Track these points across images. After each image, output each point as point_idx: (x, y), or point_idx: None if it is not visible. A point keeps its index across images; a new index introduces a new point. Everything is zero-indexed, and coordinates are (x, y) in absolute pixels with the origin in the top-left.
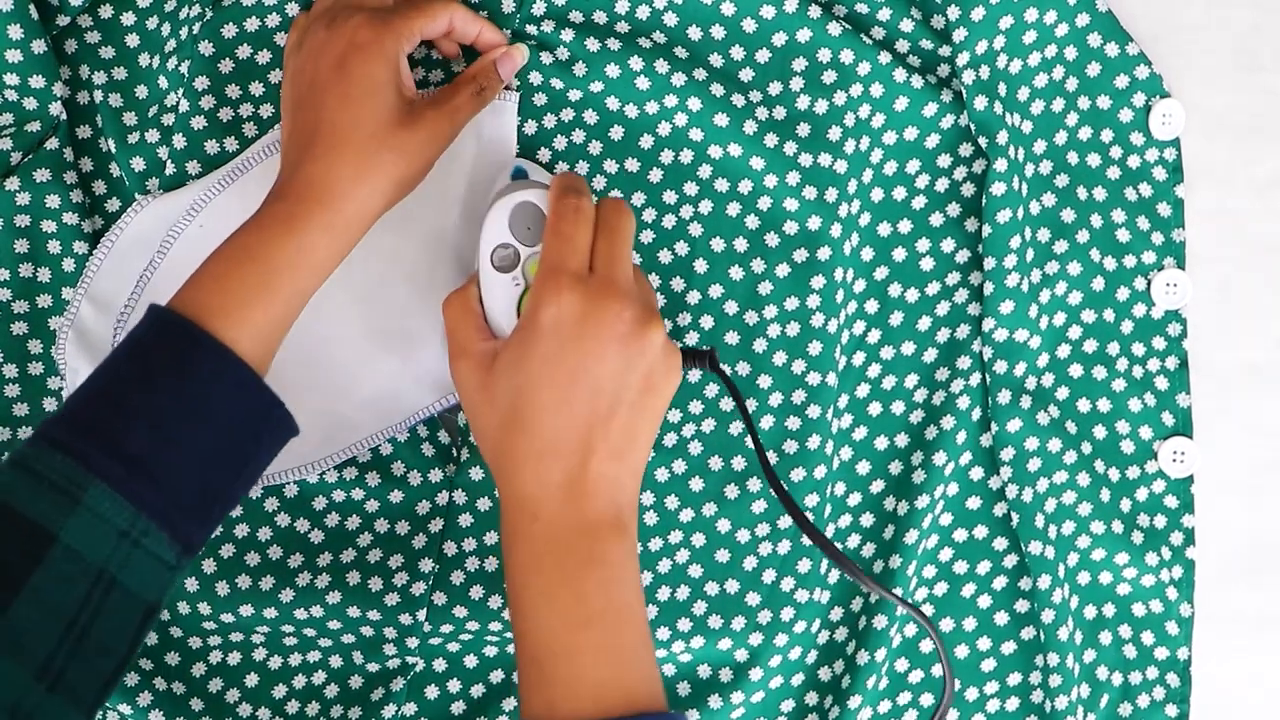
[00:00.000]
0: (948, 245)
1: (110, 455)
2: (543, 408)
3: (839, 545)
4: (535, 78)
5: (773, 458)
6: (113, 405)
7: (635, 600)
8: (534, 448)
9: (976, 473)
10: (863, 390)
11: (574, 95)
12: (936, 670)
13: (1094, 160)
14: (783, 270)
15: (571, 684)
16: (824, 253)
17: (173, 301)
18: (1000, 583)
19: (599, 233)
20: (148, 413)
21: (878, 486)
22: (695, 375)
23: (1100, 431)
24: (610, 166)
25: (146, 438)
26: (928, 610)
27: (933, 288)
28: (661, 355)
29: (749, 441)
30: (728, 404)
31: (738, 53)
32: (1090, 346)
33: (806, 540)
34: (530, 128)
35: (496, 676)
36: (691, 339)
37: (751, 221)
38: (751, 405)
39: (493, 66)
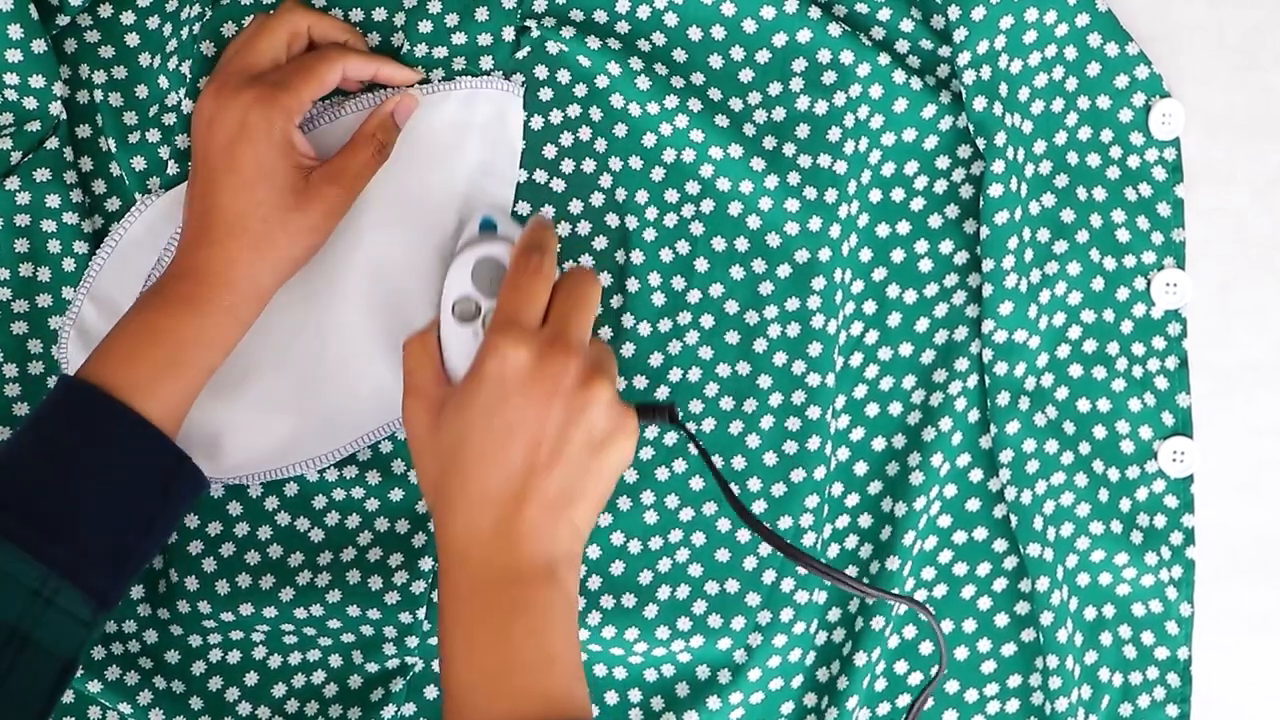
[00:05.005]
0: (946, 247)
1: (18, 521)
2: (481, 455)
3: (827, 560)
4: (541, 72)
5: (772, 458)
6: (22, 471)
7: (565, 650)
8: (468, 493)
9: (976, 475)
10: (860, 391)
11: (580, 91)
12: (935, 672)
13: (1094, 160)
14: (784, 270)
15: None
16: (824, 253)
17: (81, 373)
18: (1000, 585)
19: (559, 293)
20: (56, 477)
21: (875, 488)
22: (653, 432)
23: (1100, 431)
24: (615, 164)
25: (54, 502)
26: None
27: (931, 289)
28: (607, 413)
29: (743, 369)
30: (728, 403)
31: (738, 53)
32: (1090, 346)
33: (806, 541)
34: (536, 123)
35: None
36: (692, 338)
37: (753, 221)
38: (751, 406)
39: (390, 119)
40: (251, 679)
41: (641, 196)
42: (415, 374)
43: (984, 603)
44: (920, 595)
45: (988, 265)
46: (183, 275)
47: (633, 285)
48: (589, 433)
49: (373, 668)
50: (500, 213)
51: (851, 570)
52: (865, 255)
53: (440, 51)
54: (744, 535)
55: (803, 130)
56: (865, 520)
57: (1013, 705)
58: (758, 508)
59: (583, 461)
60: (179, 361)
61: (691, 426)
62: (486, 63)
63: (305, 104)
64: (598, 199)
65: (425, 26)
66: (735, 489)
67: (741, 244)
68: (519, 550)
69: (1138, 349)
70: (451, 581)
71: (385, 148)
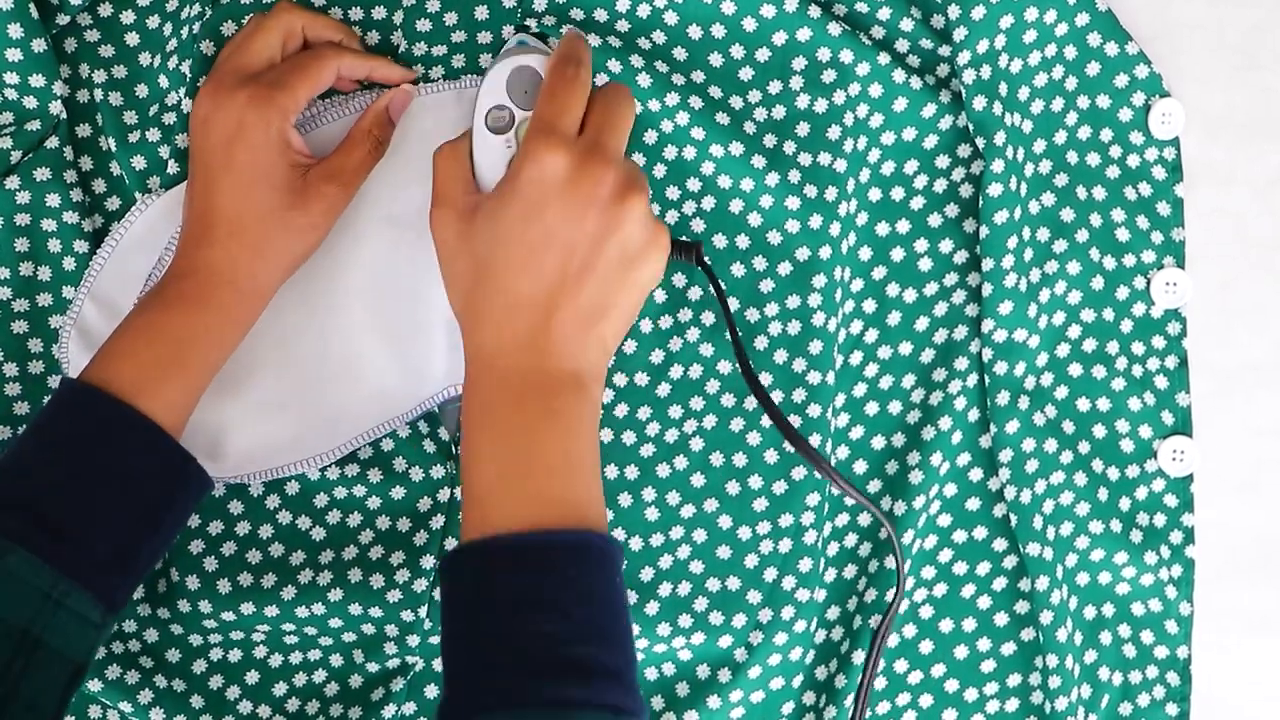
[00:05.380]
0: (946, 246)
1: (28, 522)
2: (513, 262)
3: (831, 572)
4: None
5: (773, 456)
6: (28, 474)
7: (589, 459)
8: (499, 301)
9: (975, 474)
10: (860, 390)
11: None
12: (936, 671)
13: (1093, 159)
14: (784, 268)
15: (510, 521)
16: (825, 251)
17: (85, 375)
18: (1000, 584)
19: (595, 104)
20: (63, 479)
21: (874, 487)
22: (654, 429)
23: (1100, 430)
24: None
25: (62, 504)
26: (927, 612)
27: (930, 288)
28: (642, 227)
29: (729, 337)
30: (729, 399)
31: (738, 51)
32: (1090, 345)
33: (807, 539)
34: None
35: None
36: (692, 335)
37: (754, 219)
38: (752, 402)
39: (384, 114)
40: (252, 678)
41: None
42: (446, 182)
43: (984, 602)
44: (920, 594)
45: (987, 264)
46: (184, 275)
47: None
48: (623, 246)
49: (374, 667)
50: (534, 35)
51: (851, 569)
52: (865, 254)
53: (439, 50)
54: (745, 533)
55: (803, 128)
56: (865, 518)
57: (1012, 704)
58: (759, 505)
59: (615, 274)
60: (182, 361)
61: (707, 262)
62: (486, 61)
63: (301, 103)
64: None
65: (424, 25)
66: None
67: (742, 241)
68: (548, 359)
69: (1137, 348)
70: (478, 388)
71: (381, 144)
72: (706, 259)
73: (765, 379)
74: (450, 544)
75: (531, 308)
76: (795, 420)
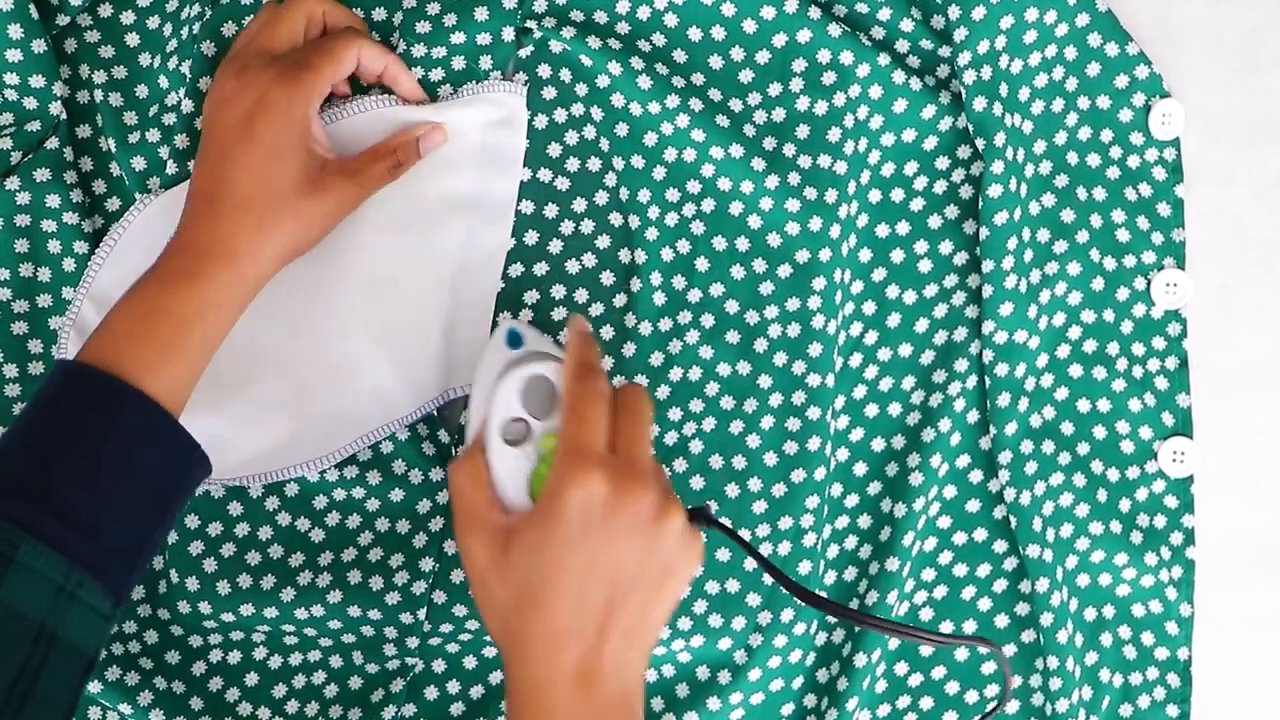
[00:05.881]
0: (945, 247)
1: (40, 511)
2: (561, 591)
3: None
4: (544, 71)
5: (772, 458)
6: (38, 461)
7: None
8: (548, 630)
9: (975, 476)
10: (860, 392)
11: (582, 90)
12: (936, 673)
13: (1094, 160)
14: (784, 270)
15: None
16: (825, 254)
17: (82, 355)
18: (1000, 586)
19: (621, 414)
20: (75, 466)
21: (875, 488)
22: (654, 429)
23: (1100, 432)
24: (617, 163)
25: (75, 491)
26: (927, 615)
27: (930, 290)
28: (680, 540)
29: (743, 369)
30: (728, 402)
31: (738, 54)
32: (1090, 347)
33: (806, 542)
34: (541, 121)
35: (495, 678)
36: (692, 337)
37: (754, 221)
38: (751, 405)
39: (414, 142)
40: (252, 679)
41: (643, 195)
42: (470, 502)
43: (984, 604)
44: (920, 596)
45: (987, 266)
46: (183, 250)
47: (634, 284)
48: (665, 563)
49: (373, 668)
50: (523, 324)
51: (851, 572)
52: (865, 256)
53: (439, 51)
54: (744, 535)
55: (803, 131)
56: (865, 521)
57: (1012, 706)
58: (758, 508)
59: (656, 591)
60: (179, 342)
61: (726, 524)
62: (486, 62)
63: (325, 85)
64: (602, 197)
65: (423, 27)
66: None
67: (742, 244)
68: (599, 688)
69: (1138, 349)
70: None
71: (401, 167)
72: (721, 520)
73: (765, 381)
74: (450, 547)
75: (581, 637)
76: (795, 423)
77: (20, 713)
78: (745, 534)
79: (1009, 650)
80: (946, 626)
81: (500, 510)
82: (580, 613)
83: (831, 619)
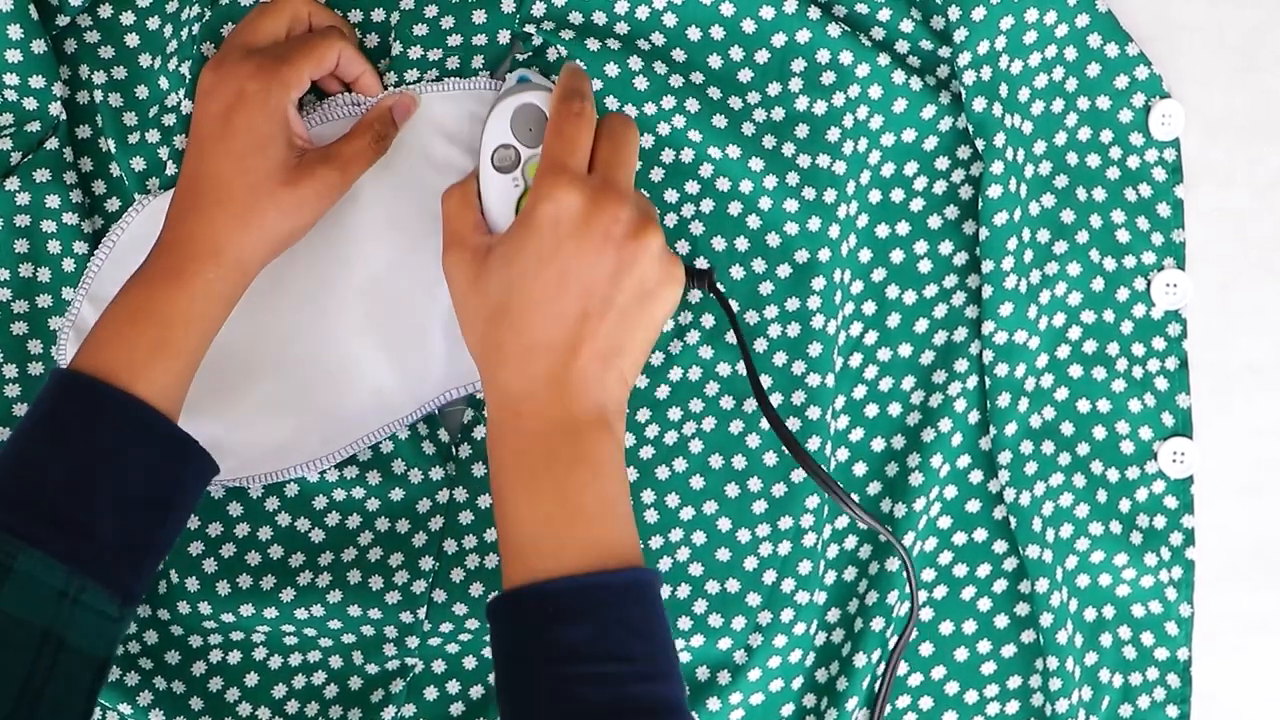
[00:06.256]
0: (945, 248)
1: (34, 519)
2: (533, 303)
3: (831, 575)
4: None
5: (772, 458)
6: (29, 470)
7: (620, 498)
8: (521, 342)
9: (976, 476)
10: (859, 392)
11: None
12: (936, 674)
13: (1094, 161)
14: (784, 270)
15: (558, 569)
16: (824, 254)
17: (76, 363)
18: (1000, 586)
19: (602, 138)
20: (66, 472)
21: (874, 489)
22: (695, 296)
23: (1100, 432)
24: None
25: (67, 496)
26: (927, 614)
27: (930, 290)
28: (658, 261)
29: (725, 403)
30: (728, 402)
31: (737, 53)
32: (1090, 347)
33: (806, 542)
34: None
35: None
36: (692, 338)
37: (753, 221)
38: (751, 405)
39: (389, 113)
40: (252, 680)
41: None
42: (456, 224)
43: (984, 604)
44: (920, 597)
45: (987, 266)
46: (167, 248)
47: None
48: (640, 282)
49: (373, 669)
50: (534, 71)
51: (851, 571)
52: (864, 256)
53: (435, 54)
54: (744, 535)
55: (802, 130)
56: None
57: (1013, 707)
58: (758, 508)
59: (633, 311)
60: (167, 341)
61: (720, 290)
62: (479, 63)
63: (303, 80)
64: None
65: (420, 29)
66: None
67: (741, 244)
68: (573, 400)
69: (1138, 349)
70: (506, 434)
71: (383, 140)
72: (720, 286)
73: (765, 381)
74: (449, 546)
75: (552, 349)
76: (794, 423)
77: (34, 718)
78: (745, 534)
79: (1009, 651)
80: (947, 626)
81: (485, 232)
82: (552, 324)
83: (831, 618)
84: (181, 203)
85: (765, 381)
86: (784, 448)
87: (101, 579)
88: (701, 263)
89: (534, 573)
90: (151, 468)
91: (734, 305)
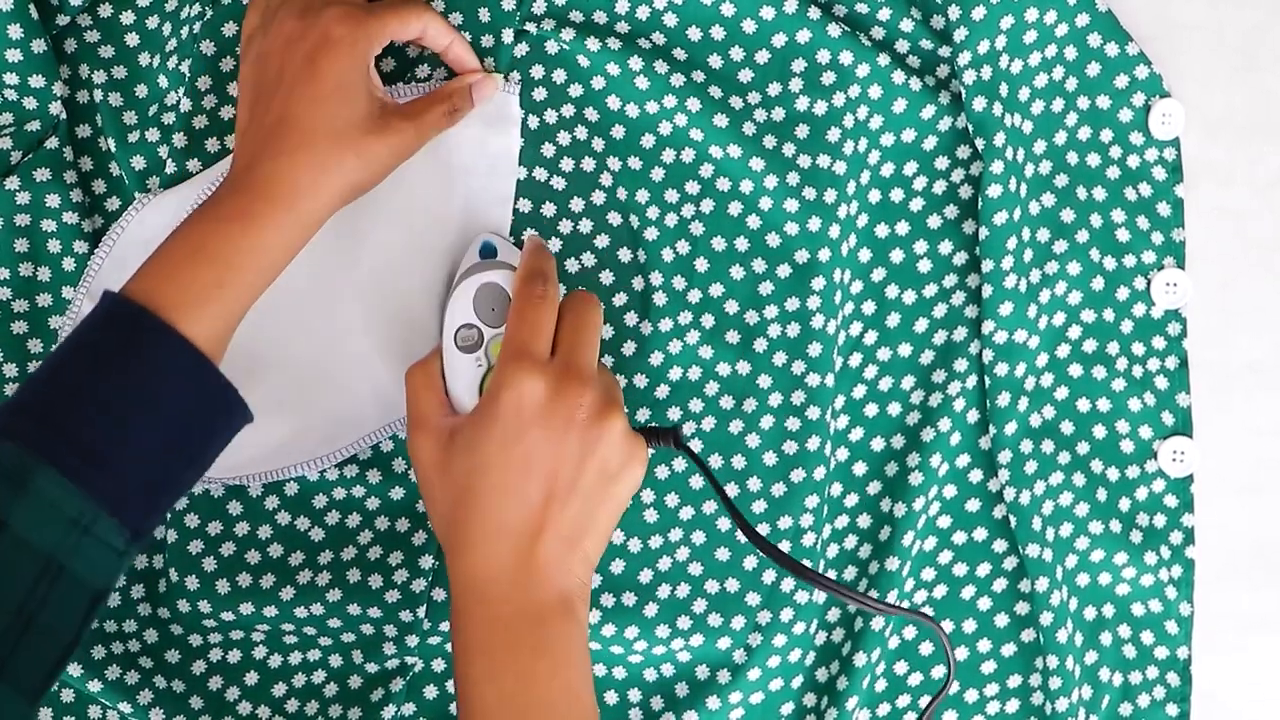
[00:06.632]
0: (945, 247)
1: (60, 442)
2: (496, 488)
3: (831, 574)
4: (537, 71)
5: (771, 458)
6: (63, 392)
7: (582, 686)
8: (485, 527)
9: (975, 475)
10: (859, 391)
11: (575, 91)
12: (936, 673)
13: (1093, 160)
14: (784, 270)
15: None
16: (824, 254)
17: (126, 289)
18: (1000, 585)
19: (565, 321)
20: (99, 399)
21: (874, 488)
22: (663, 457)
23: (1100, 431)
24: (613, 164)
25: (97, 425)
26: (952, 686)
27: (930, 290)
28: (621, 443)
29: (725, 402)
30: (728, 402)
31: (737, 54)
32: (1090, 346)
33: (806, 541)
34: (533, 122)
35: None
36: (692, 338)
37: (753, 221)
38: (751, 405)
39: (468, 90)
40: (252, 678)
41: (642, 196)
42: (420, 404)
43: (984, 603)
44: (920, 596)
45: (987, 266)
46: (241, 189)
47: (635, 284)
48: (603, 465)
49: (373, 668)
50: (500, 236)
51: (851, 571)
52: (864, 255)
53: None
54: (744, 535)
55: (802, 130)
56: (864, 520)
57: (1013, 705)
58: (758, 507)
59: (596, 493)
60: (225, 283)
61: (696, 445)
62: (488, 64)
63: (387, 34)
64: (599, 197)
65: None
66: (746, 519)
67: (741, 244)
68: (538, 586)
69: (1138, 349)
70: (470, 618)
71: (457, 113)
72: (687, 444)
73: (764, 381)
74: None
75: (516, 534)
76: (794, 423)
77: (20, 644)
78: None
79: (1008, 650)
80: (947, 626)
81: (449, 413)
82: (516, 508)
83: (831, 617)
84: (254, 148)
85: (764, 382)
86: (794, 572)
87: (115, 512)
88: (662, 295)
89: None
90: (186, 412)
91: (733, 307)
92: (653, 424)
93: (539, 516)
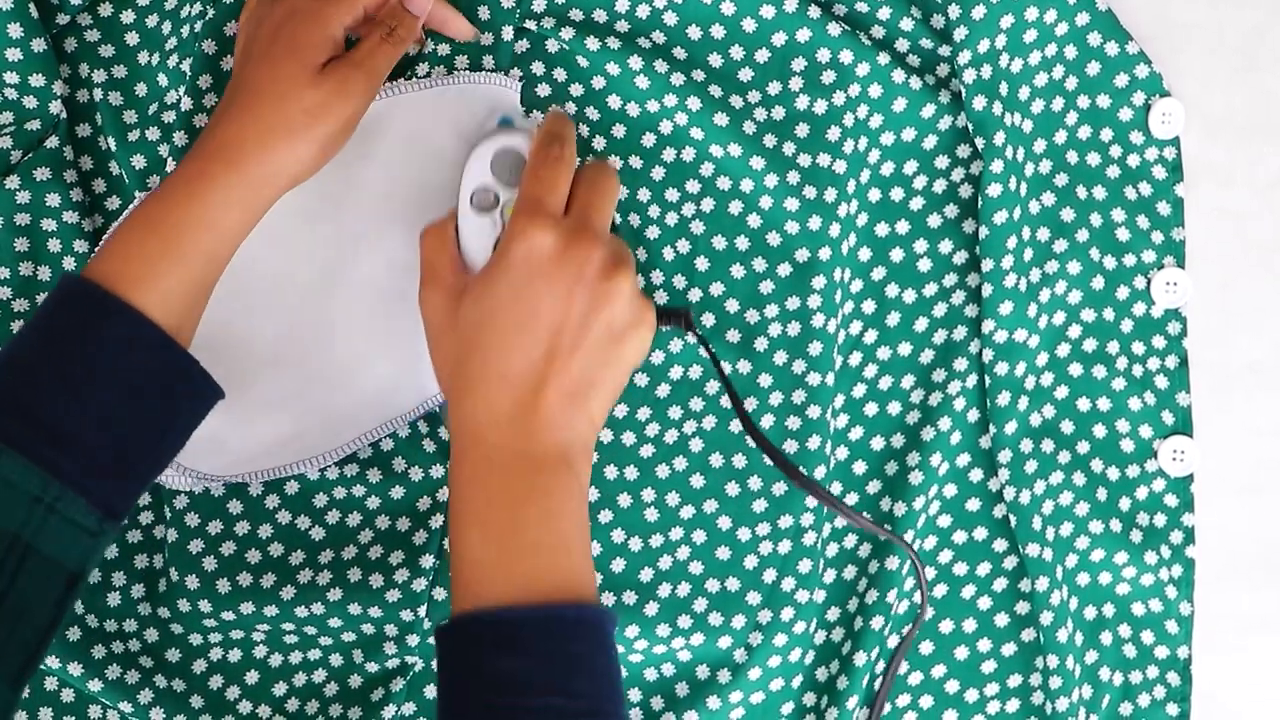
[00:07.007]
0: (945, 246)
1: (18, 421)
2: (501, 337)
3: (826, 560)
4: (537, 68)
5: None
6: (19, 372)
7: (577, 536)
8: (486, 374)
9: (975, 474)
10: (859, 390)
11: (576, 90)
12: (936, 672)
13: (1094, 159)
14: (784, 269)
15: (501, 596)
16: (824, 252)
17: (83, 271)
18: (1000, 584)
19: (580, 182)
20: (55, 377)
21: (874, 487)
22: (653, 428)
23: (1100, 430)
24: (614, 162)
25: (55, 403)
26: (926, 613)
27: (930, 289)
28: (629, 303)
29: (725, 401)
30: (729, 400)
31: (737, 52)
32: (1090, 345)
33: (806, 540)
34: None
35: None
36: (692, 337)
37: (753, 220)
38: (751, 405)
39: (400, 5)
40: (252, 678)
41: (643, 195)
42: (433, 262)
43: (984, 602)
44: (920, 596)
45: (987, 265)
46: (192, 159)
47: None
48: (610, 323)
49: (373, 667)
50: (516, 112)
51: (851, 570)
52: (864, 254)
53: (443, 49)
54: (744, 534)
55: (802, 129)
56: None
57: (1013, 705)
58: (758, 506)
59: (602, 351)
60: (174, 249)
61: (697, 444)
62: (489, 63)
63: (358, 10)
64: None
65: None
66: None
67: (742, 243)
68: (536, 436)
69: (1138, 348)
70: (466, 462)
71: (396, 32)
72: (695, 329)
73: (765, 380)
74: (450, 544)
75: (519, 384)
76: (795, 422)
77: None
78: (745, 532)
79: (1009, 649)
80: (947, 625)
81: (462, 272)
82: (520, 357)
83: (831, 616)
84: (213, 117)
85: (765, 381)
86: (791, 479)
87: (82, 490)
88: (662, 293)
89: (479, 600)
90: (144, 382)
91: (733, 306)
92: (665, 305)
93: (542, 367)
